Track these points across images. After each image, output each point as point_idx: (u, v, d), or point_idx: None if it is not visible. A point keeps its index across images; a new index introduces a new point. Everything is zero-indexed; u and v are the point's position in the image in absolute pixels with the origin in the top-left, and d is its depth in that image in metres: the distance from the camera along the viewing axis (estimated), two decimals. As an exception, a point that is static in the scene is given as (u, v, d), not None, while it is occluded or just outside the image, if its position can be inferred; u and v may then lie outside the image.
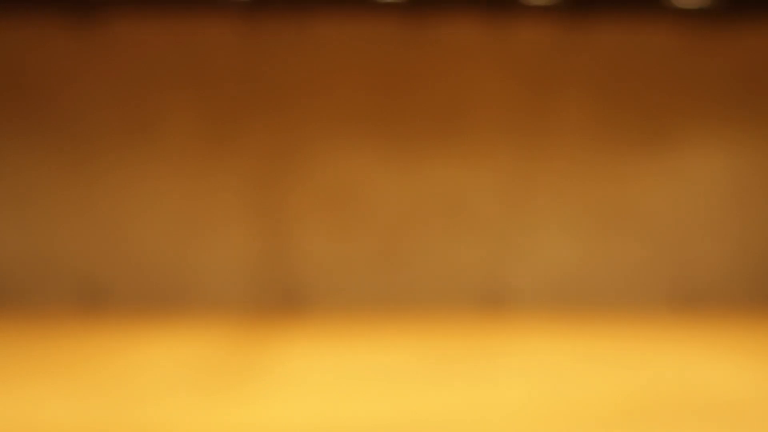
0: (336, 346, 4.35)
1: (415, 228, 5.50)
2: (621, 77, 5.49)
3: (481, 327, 4.89)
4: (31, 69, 5.03)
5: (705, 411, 3.25)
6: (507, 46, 5.47)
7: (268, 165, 5.44)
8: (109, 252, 5.36)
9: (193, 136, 5.40)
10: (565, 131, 5.50)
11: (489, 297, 5.55)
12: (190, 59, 5.36)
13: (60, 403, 2.80)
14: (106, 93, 5.35)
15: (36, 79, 5.00)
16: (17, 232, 5.13)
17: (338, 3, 5.19)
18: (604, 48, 5.48)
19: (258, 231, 5.47)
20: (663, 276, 5.58)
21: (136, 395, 3.39)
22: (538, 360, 4.04)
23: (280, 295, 5.48)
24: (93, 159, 5.18)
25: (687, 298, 5.61)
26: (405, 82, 5.44)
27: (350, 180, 5.46)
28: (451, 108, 5.45)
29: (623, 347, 4.38)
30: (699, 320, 5.22)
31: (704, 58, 5.51)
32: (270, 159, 5.44)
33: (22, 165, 5.14)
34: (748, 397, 3.46)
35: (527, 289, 5.57)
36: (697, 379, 3.69)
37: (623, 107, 5.52)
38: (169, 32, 5.34)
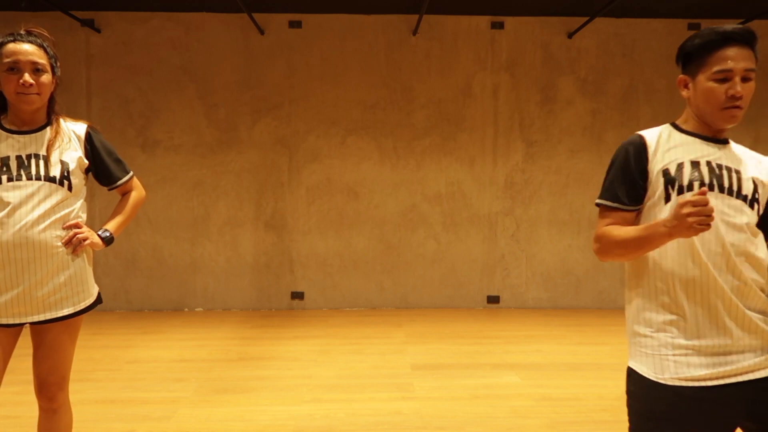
0: (337, 346, 4.36)
1: (416, 227, 5.50)
2: (623, 75, 5.49)
3: (482, 327, 4.89)
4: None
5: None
6: (507, 44, 5.47)
7: (269, 164, 5.44)
8: (111, 252, 5.36)
9: (194, 136, 5.40)
10: (567, 130, 5.49)
11: (489, 296, 5.55)
12: (192, 59, 5.35)
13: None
14: (107, 93, 5.35)
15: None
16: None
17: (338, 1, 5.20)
18: (606, 47, 5.48)
19: (258, 230, 5.47)
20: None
21: (136, 394, 3.40)
22: (538, 360, 4.05)
23: (281, 295, 5.48)
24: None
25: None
26: (406, 81, 5.43)
27: (352, 179, 5.46)
28: (453, 106, 5.45)
29: (625, 348, 4.38)
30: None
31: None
32: (271, 158, 5.43)
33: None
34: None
35: (528, 289, 5.57)
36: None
37: (625, 105, 5.52)
38: (170, 32, 5.34)
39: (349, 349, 4.25)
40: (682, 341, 1.50)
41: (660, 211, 1.54)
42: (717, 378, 1.48)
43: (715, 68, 1.50)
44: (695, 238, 1.48)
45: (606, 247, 1.58)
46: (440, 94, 5.45)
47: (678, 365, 1.49)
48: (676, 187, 1.51)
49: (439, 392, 3.42)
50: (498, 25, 5.43)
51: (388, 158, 5.47)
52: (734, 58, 1.48)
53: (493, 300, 5.56)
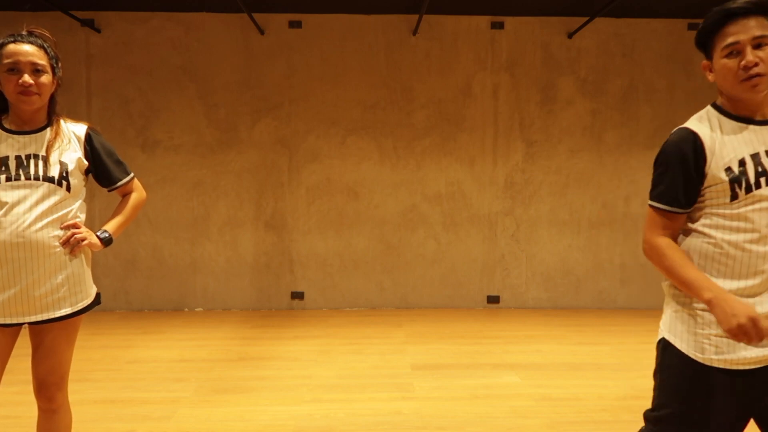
0: (337, 346, 4.36)
1: (416, 227, 5.50)
2: (623, 75, 5.49)
3: (482, 327, 4.89)
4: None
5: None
6: (507, 44, 5.46)
7: (269, 164, 5.44)
8: (110, 252, 5.36)
9: (194, 136, 5.40)
10: (567, 130, 5.49)
11: (489, 296, 5.54)
12: (192, 59, 5.35)
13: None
14: (107, 93, 5.35)
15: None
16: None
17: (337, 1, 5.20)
18: (606, 47, 5.47)
19: (258, 230, 5.47)
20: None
21: (136, 394, 3.40)
22: (538, 360, 4.05)
23: (281, 295, 5.48)
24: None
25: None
26: (406, 81, 5.43)
27: (352, 179, 5.46)
28: (453, 106, 5.45)
29: (625, 348, 4.38)
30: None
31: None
32: (271, 158, 5.43)
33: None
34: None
35: (528, 289, 5.57)
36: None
37: (625, 105, 5.51)
38: (170, 32, 5.34)
39: (349, 349, 4.25)
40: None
41: (724, 209, 1.54)
42: (755, 363, 1.51)
43: (723, 44, 1.51)
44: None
45: (654, 259, 1.60)
46: (440, 94, 5.45)
47: (719, 347, 1.53)
48: (744, 186, 1.51)
49: (439, 392, 3.42)
50: (498, 25, 5.43)
51: (388, 158, 5.47)
52: (739, 30, 1.49)
53: (493, 300, 5.56)
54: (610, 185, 5.54)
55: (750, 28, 1.48)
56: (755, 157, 1.51)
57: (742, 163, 1.51)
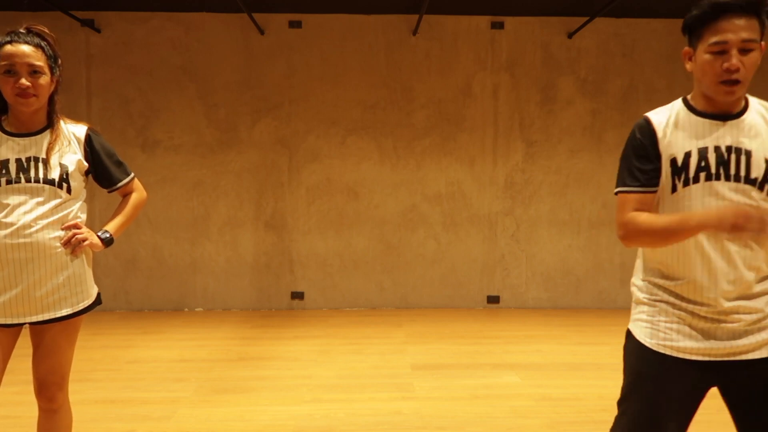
0: (337, 346, 4.36)
1: (416, 227, 5.50)
2: (623, 75, 5.49)
3: (482, 327, 4.89)
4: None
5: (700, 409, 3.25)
6: (507, 44, 5.46)
7: (269, 164, 5.44)
8: (111, 252, 5.36)
9: (194, 136, 5.39)
10: (567, 130, 5.49)
11: (489, 296, 5.54)
12: (192, 59, 5.35)
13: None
14: (107, 93, 5.35)
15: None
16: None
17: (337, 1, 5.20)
18: (606, 47, 5.47)
19: (258, 230, 5.47)
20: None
21: (136, 394, 3.40)
22: (538, 360, 4.05)
23: (281, 295, 5.48)
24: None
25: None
26: (406, 81, 5.43)
27: (352, 179, 5.46)
28: (453, 106, 5.45)
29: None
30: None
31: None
32: (271, 158, 5.43)
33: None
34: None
35: (528, 289, 5.57)
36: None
37: (625, 105, 5.51)
38: (170, 32, 5.34)
39: (349, 349, 4.25)
40: (676, 312, 1.54)
41: (666, 201, 1.53)
42: (701, 354, 1.52)
43: (711, 40, 1.45)
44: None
45: (632, 234, 1.54)
46: (440, 94, 5.45)
47: (667, 334, 1.55)
48: (683, 178, 1.49)
49: (439, 392, 3.42)
50: (498, 25, 5.43)
51: (388, 158, 5.47)
52: (730, 29, 1.42)
53: (493, 300, 5.56)
54: (610, 185, 5.54)
55: (741, 28, 1.42)
56: (702, 151, 1.49)
57: (687, 156, 1.50)
